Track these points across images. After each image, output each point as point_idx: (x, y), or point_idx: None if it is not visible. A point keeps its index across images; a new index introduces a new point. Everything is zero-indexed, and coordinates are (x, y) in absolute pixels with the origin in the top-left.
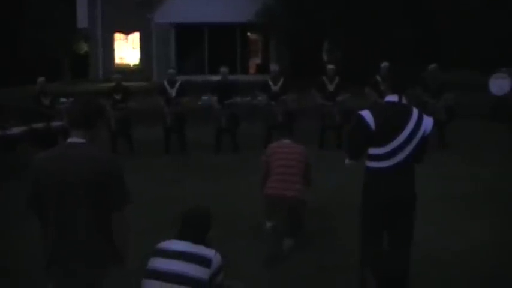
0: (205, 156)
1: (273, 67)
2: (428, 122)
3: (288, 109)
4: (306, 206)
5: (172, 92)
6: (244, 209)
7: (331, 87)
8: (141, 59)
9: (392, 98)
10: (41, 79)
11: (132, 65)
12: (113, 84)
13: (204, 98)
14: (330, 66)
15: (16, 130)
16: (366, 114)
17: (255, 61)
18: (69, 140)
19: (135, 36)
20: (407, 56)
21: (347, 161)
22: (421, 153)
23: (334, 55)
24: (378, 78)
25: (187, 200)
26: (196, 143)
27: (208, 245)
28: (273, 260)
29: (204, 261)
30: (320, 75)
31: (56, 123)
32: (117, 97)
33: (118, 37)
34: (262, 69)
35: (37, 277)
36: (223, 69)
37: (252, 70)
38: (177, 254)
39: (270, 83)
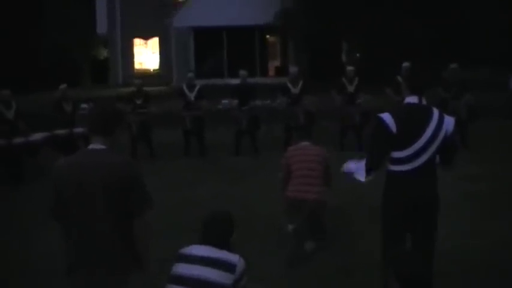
0: (225, 159)
1: (292, 69)
2: (449, 122)
3: (307, 111)
4: (326, 207)
5: (191, 96)
6: (264, 212)
7: (351, 89)
8: (160, 64)
9: (412, 99)
10: (63, 86)
11: (151, 70)
12: (133, 89)
13: (225, 101)
14: (350, 68)
15: (38, 136)
16: (386, 116)
17: (274, 63)
18: (90, 146)
19: (155, 41)
20: (427, 55)
21: (363, 177)
22: (448, 154)
23: (353, 56)
24: (399, 78)
25: (208, 202)
26: (215, 145)
27: (231, 249)
28: (294, 262)
29: (228, 267)
30: (339, 77)
31: (77, 130)
32: (138, 102)
33: (137, 42)
34: (281, 71)
35: (58, 281)
36: (243, 72)
37: (271, 73)
38: (200, 259)
39: (289, 85)
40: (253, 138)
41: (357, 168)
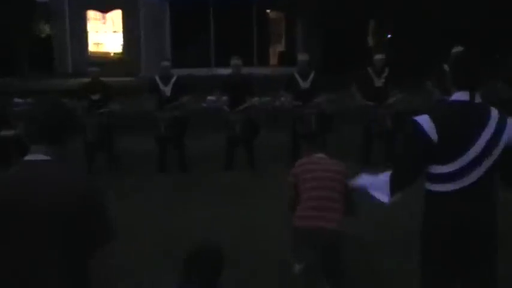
0: (212, 176)
1: (301, 57)
2: None
3: (321, 113)
4: (345, 242)
5: (167, 91)
6: (265, 245)
7: (378, 83)
8: (124, 47)
9: (462, 95)
10: None
11: (112, 54)
12: (87, 80)
13: (210, 98)
14: (378, 56)
15: None
16: (425, 120)
17: (277, 49)
18: (28, 157)
19: (116, 15)
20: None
21: (386, 196)
22: None
23: (382, 40)
24: (446, 68)
25: (190, 233)
26: (200, 157)
27: None
28: None
29: None
30: (364, 67)
31: (6, 133)
32: (94, 98)
33: (92, 16)
34: (286, 59)
35: None
36: (235, 60)
37: (272, 61)
38: None
39: (297, 77)
40: (249, 148)
41: (374, 184)
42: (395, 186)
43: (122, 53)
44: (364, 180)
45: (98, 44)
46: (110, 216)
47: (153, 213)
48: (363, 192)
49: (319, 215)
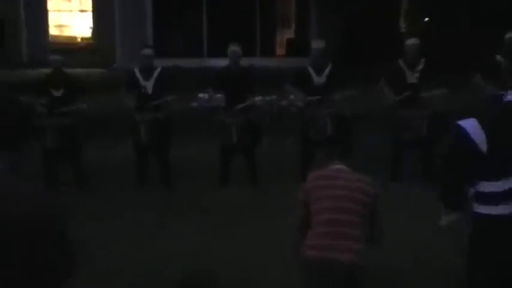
0: (204, 192)
1: (316, 45)
2: None
3: (339, 115)
4: (366, 275)
5: (148, 87)
6: (266, 280)
7: (412, 78)
8: (94, 30)
9: None
10: None
11: (79, 40)
12: (48, 71)
13: (202, 96)
14: (411, 41)
15: None
16: (471, 125)
17: (285, 35)
18: None
19: None
20: None
21: (444, 218)
22: None
23: (418, 23)
24: (499, 58)
25: (176, 264)
26: (188, 170)
27: None
28: None
29: None
30: (394, 58)
31: None
32: (57, 94)
33: None
34: (296, 48)
35: None
36: (233, 48)
37: (279, 50)
38: None
39: (310, 71)
40: (249, 159)
41: None
42: (444, 206)
43: (91, 38)
44: None
45: (60, 26)
46: (72, 244)
47: (129, 239)
48: None
49: (334, 244)
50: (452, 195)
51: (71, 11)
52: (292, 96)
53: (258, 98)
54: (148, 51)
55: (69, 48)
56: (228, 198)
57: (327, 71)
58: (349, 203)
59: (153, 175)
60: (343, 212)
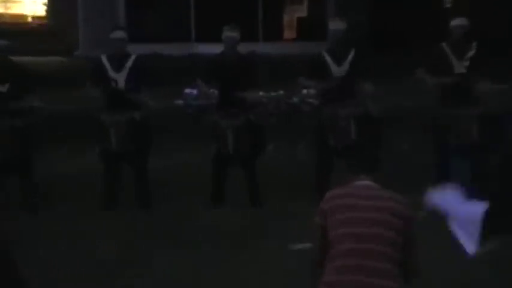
0: (191, 215)
1: (334, 25)
2: None
3: (365, 114)
4: None
5: (120, 79)
6: None
7: (459, 66)
8: (50, 8)
9: None
10: None
11: (30, 19)
12: None
13: (189, 91)
14: (458, 21)
15: None
16: None
17: (295, 13)
18: None
19: None
20: None
21: (473, 245)
22: None
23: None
24: None
25: None
26: (171, 186)
27: None
28: None
29: None
30: (435, 42)
31: None
32: (1, 88)
33: None
34: (309, 30)
35: None
36: (229, 32)
37: (288, 33)
38: None
39: (328, 59)
40: (250, 171)
41: (460, 217)
42: (489, 228)
43: (46, 18)
44: (447, 201)
45: (6, 3)
46: (22, 275)
47: (96, 273)
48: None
49: (359, 282)
50: (506, 217)
51: None
52: (304, 91)
53: (261, 94)
54: (119, 33)
55: (17, 30)
56: (223, 222)
57: (349, 58)
58: (377, 228)
59: (126, 192)
60: (370, 240)
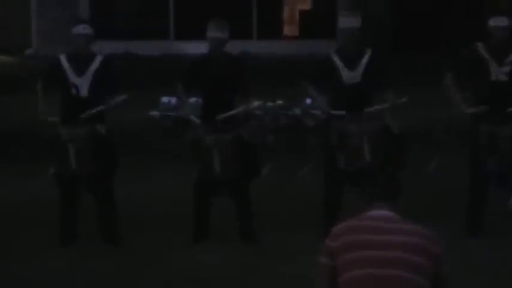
0: (170, 252)
1: (347, 22)
2: None
3: (384, 130)
4: None
5: (83, 85)
6: None
7: (499, 73)
8: None
9: None
10: None
11: None
12: None
13: (166, 100)
14: (499, 21)
15: None
16: None
17: (298, 6)
18: None
19: None
20: None
21: None
22: None
23: None
24: None
25: None
26: (144, 217)
27: None
28: None
29: None
30: (469, 43)
31: None
32: None
33: None
34: (315, 27)
35: None
36: (214, 32)
37: (288, 30)
38: None
39: (338, 62)
40: (241, 199)
41: None
42: None
43: None
44: None
45: None
46: None
47: None
48: None
49: None
50: None
51: None
52: (308, 102)
53: (254, 104)
54: (82, 28)
55: None
56: (207, 263)
57: (364, 61)
58: (399, 270)
59: (88, 223)
60: (390, 283)
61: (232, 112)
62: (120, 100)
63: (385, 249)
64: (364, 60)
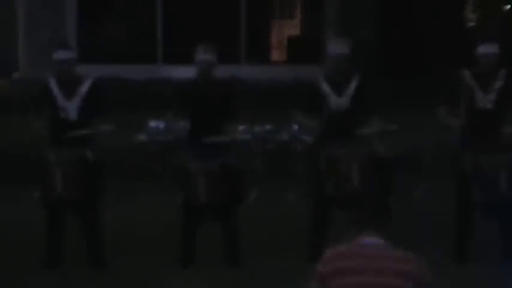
0: (158, 277)
1: (335, 48)
2: None
3: (371, 156)
4: None
5: (71, 109)
6: None
7: (485, 101)
8: None
9: None
10: None
11: None
12: None
13: (154, 124)
14: (487, 49)
15: None
16: None
17: (286, 30)
18: None
19: None
20: None
21: None
22: None
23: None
24: None
25: None
26: (131, 242)
27: None
28: None
29: None
30: (456, 68)
31: None
32: None
33: None
34: (303, 52)
35: None
36: (203, 55)
37: (277, 55)
38: None
39: (325, 88)
40: (228, 226)
41: None
42: None
43: None
44: None
45: None
46: None
47: None
48: None
49: None
50: None
51: None
52: (296, 127)
53: (241, 129)
54: (63, 53)
55: None
56: (195, 286)
57: (352, 87)
58: None
59: (75, 249)
60: None
61: (219, 139)
62: (107, 129)
63: (376, 275)
64: (352, 85)
